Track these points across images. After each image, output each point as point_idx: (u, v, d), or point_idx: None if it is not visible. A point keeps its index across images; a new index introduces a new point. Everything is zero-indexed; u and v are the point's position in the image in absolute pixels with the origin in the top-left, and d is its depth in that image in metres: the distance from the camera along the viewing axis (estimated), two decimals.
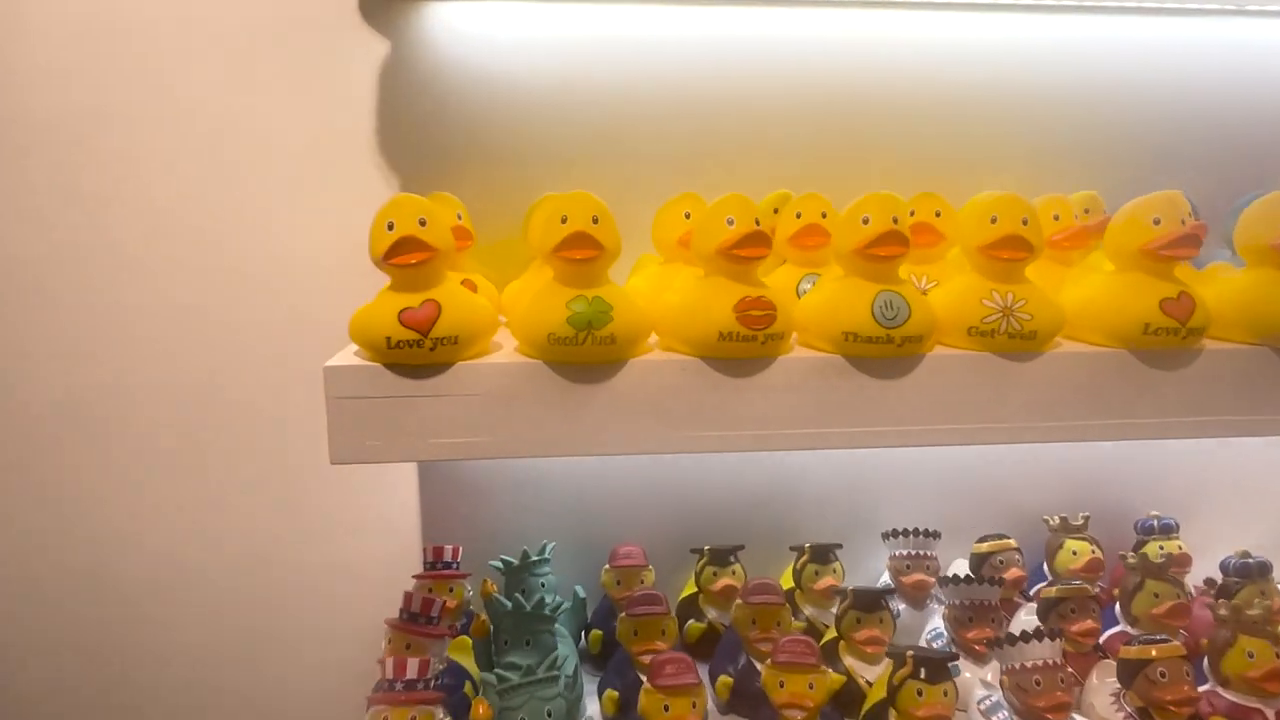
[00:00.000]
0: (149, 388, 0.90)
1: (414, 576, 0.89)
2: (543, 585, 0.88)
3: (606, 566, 0.92)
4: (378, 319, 0.56)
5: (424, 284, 0.57)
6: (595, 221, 0.57)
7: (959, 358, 0.61)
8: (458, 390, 0.57)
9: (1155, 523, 0.98)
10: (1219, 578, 0.94)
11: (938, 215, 0.73)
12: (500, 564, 0.88)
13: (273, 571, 0.95)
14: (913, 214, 0.73)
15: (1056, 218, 0.74)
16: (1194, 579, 0.94)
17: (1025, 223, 0.61)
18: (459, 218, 0.69)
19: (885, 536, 0.96)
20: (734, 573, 0.91)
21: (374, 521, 0.95)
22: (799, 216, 0.72)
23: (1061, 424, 0.62)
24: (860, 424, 0.61)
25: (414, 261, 0.56)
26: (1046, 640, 0.72)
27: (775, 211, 0.80)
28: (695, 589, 0.93)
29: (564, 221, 0.57)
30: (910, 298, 0.60)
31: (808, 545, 0.92)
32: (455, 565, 0.90)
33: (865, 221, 0.59)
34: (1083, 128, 0.95)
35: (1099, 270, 0.69)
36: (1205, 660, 0.77)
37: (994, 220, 0.61)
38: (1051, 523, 0.97)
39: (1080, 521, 0.96)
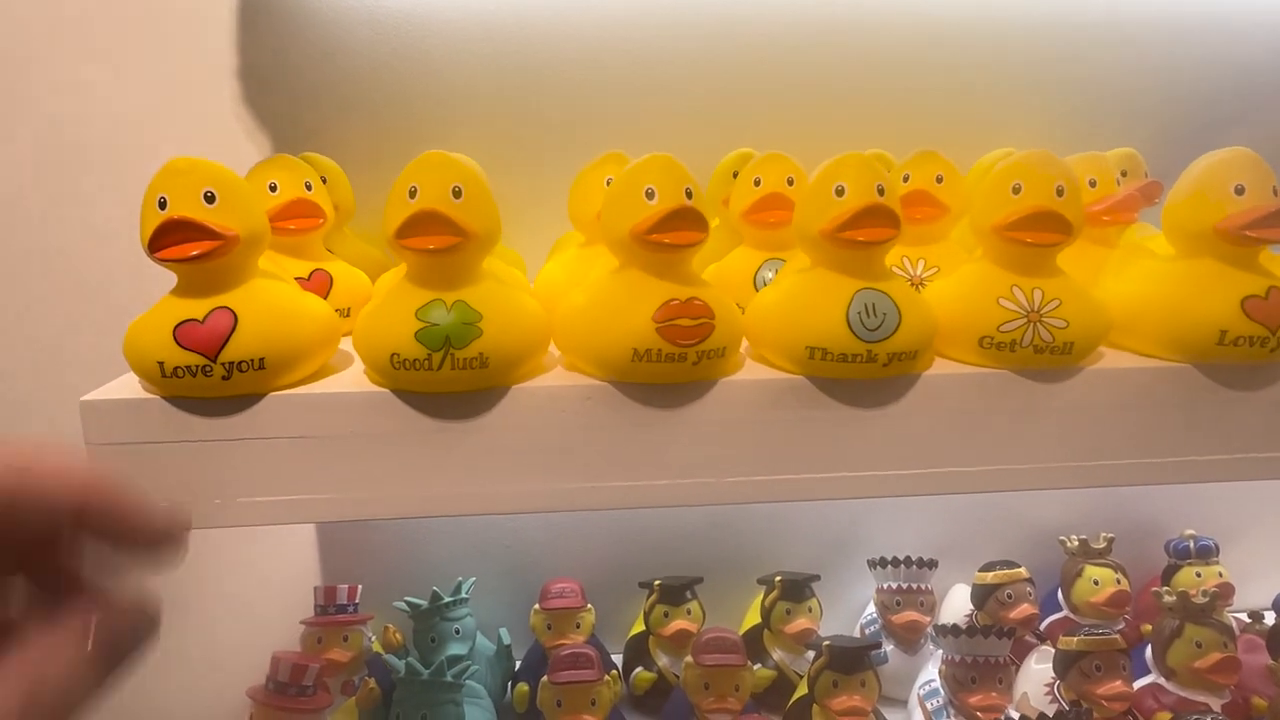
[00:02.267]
0: None
1: (301, 622, 0.73)
2: (457, 631, 0.72)
3: (536, 607, 0.77)
4: (149, 336, 0.40)
5: (214, 285, 0.40)
6: (457, 195, 0.40)
7: (966, 378, 0.45)
8: (268, 431, 0.41)
9: (1191, 544, 0.83)
10: (1268, 611, 0.80)
11: (939, 181, 0.56)
12: (406, 606, 0.72)
13: None
14: (907, 179, 0.56)
15: (1093, 183, 0.57)
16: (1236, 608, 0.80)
17: (1060, 192, 0.44)
18: (307, 187, 0.52)
19: (872, 565, 0.81)
20: (689, 612, 0.76)
21: (258, 557, 0.79)
22: (758, 184, 0.55)
23: (1103, 465, 0.46)
24: (831, 468, 0.45)
25: (190, 254, 0.39)
26: None
27: (734, 176, 0.63)
28: (644, 627, 0.78)
29: (412, 196, 0.40)
30: (900, 299, 0.43)
31: (778, 578, 0.77)
32: (353, 608, 0.75)
33: (839, 192, 0.43)
34: (1115, 69, 0.77)
35: (1152, 255, 0.53)
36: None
37: (1016, 189, 0.44)
38: (1069, 545, 0.82)
39: (1103, 544, 0.81)
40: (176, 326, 0.39)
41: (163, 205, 0.39)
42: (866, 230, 0.42)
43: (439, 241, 0.39)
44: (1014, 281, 0.45)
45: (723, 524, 0.83)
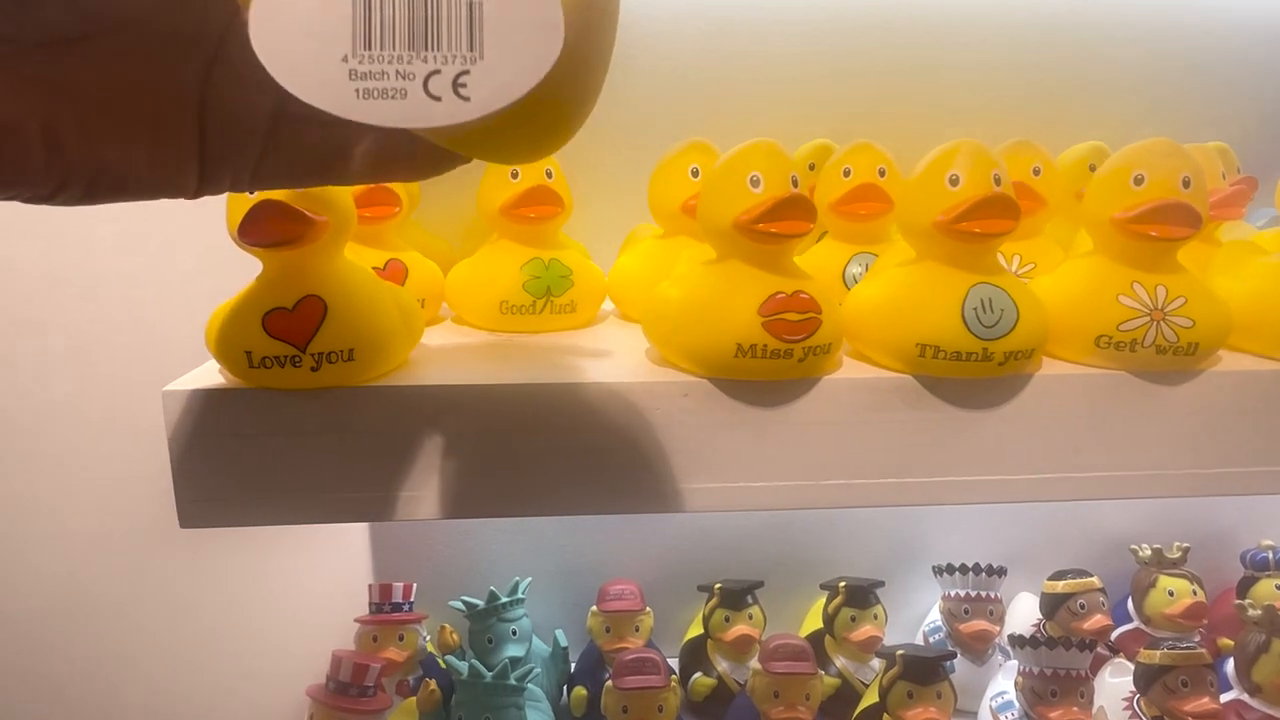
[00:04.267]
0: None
1: (356, 620, 0.72)
2: (514, 632, 0.71)
3: (594, 608, 0.75)
4: (237, 325, 0.38)
5: (303, 273, 0.39)
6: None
7: (1081, 379, 0.43)
8: (357, 426, 0.39)
9: (1270, 555, 0.80)
10: None
11: (1036, 174, 0.53)
12: (462, 605, 0.70)
13: (179, 620, 0.78)
14: (848, 173, 0.53)
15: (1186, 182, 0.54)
16: None
17: (1187, 183, 0.41)
18: None
19: (938, 572, 0.78)
20: (750, 617, 0.74)
21: (308, 553, 0.78)
22: (848, 174, 0.53)
23: (1224, 472, 0.43)
24: (940, 473, 0.42)
25: (275, 239, 0.37)
26: None
27: (811, 168, 0.61)
28: (703, 630, 0.76)
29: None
30: (1017, 294, 0.41)
31: (842, 584, 0.75)
32: (408, 606, 0.73)
33: (953, 181, 0.40)
34: (1208, 63, 0.74)
35: (1261, 250, 0.50)
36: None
37: (1139, 180, 0.42)
38: (1141, 554, 0.79)
39: (1178, 554, 0.78)
40: (266, 315, 0.37)
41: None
42: (984, 222, 0.39)
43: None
44: (1135, 278, 0.42)
45: (782, 526, 0.81)
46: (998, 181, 0.40)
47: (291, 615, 0.78)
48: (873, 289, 0.44)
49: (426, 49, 0.19)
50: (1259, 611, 0.67)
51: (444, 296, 0.55)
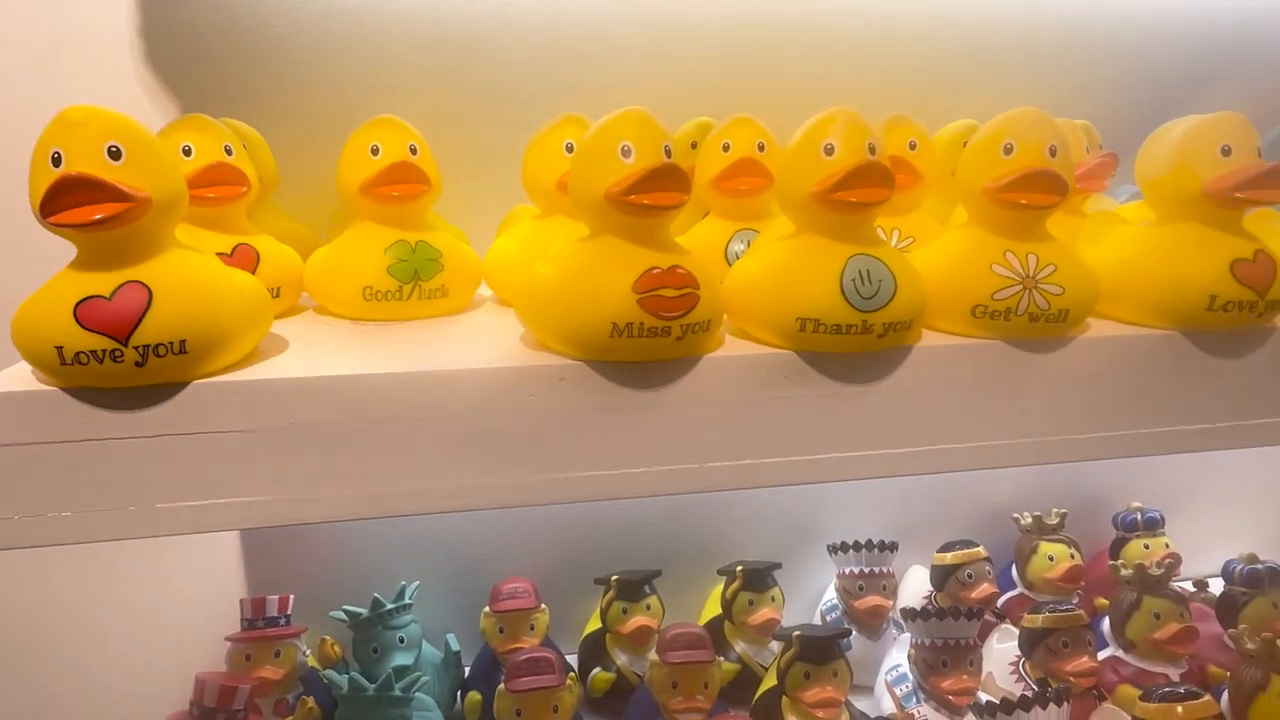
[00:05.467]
0: None
1: (227, 639, 0.67)
2: (401, 640, 0.67)
3: (486, 609, 0.72)
4: (44, 317, 0.34)
5: (123, 256, 0.35)
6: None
7: (960, 350, 0.43)
8: (194, 425, 0.35)
9: (1138, 516, 0.84)
10: (1213, 579, 0.81)
11: (912, 147, 0.53)
12: (344, 615, 0.66)
13: (24, 647, 0.71)
14: (727, 148, 0.53)
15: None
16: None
17: (1053, 152, 0.42)
18: (227, 151, 0.46)
19: (833, 550, 0.79)
20: (649, 608, 0.72)
21: (170, 566, 0.72)
22: (726, 149, 0.51)
23: (1102, 436, 0.44)
24: (823, 449, 0.42)
25: (93, 219, 0.33)
26: (1052, 706, 0.56)
27: (693, 146, 0.59)
28: (601, 624, 0.74)
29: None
30: (894, 265, 0.40)
31: (739, 568, 0.74)
32: (284, 620, 0.68)
33: (828, 151, 0.39)
34: (1073, 43, 0.77)
35: (1124, 222, 0.51)
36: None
37: (1009, 149, 0.42)
38: (1023, 522, 0.82)
39: (1056, 520, 0.81)
40: (78, 305, 0.33)
41: (56, 162, 0.33)
42: (860, 190, 0.39)
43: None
44: (1007, 247, 0.42)
45: (679, 512, 0.80)
46: (873, 150, 0.39)
47: (153, 636, 0.72)
48: (752, 264, 0.42)
49: None
50: (1130, 571, 0.70)
51: (303, 284, 0.51)
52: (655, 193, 0.37)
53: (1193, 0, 0.78)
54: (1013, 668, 0.70)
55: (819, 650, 0.62)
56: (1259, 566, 0.72)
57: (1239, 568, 0.73)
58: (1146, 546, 0.83)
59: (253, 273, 0.47)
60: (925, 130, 0.54)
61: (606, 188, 0.37)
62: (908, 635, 0.69)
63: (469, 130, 0.66)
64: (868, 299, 0.39)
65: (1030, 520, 0.81)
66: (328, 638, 0.68)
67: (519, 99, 0.67)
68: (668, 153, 0.38)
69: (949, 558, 0.77)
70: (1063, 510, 0.81)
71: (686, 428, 0.40)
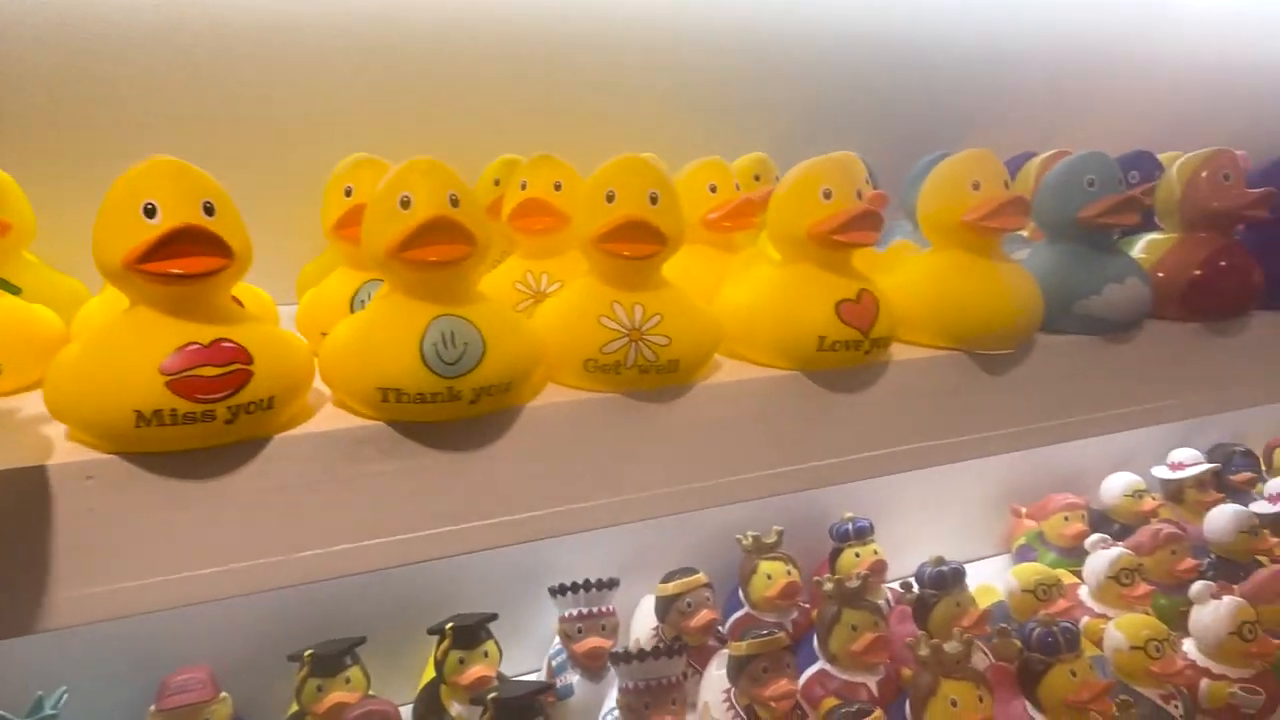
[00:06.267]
0: None
1: None
2: None
3: (153, 708, 0.63)
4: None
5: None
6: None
7: (570, 407, 0.41)
8: None
9: (850, 527, 0.88)
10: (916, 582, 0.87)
11: (558, 188, 0.52)
12: None
13: None
14: (524, 186, 0.52)
15: (713, 188, 0.56)
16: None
17: (655, 199, 0.41)
18: None
19: (553, 593, 0.76)
20: (348, 681, 0.67)
21: None
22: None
23: (727, 481, 0.44)
24: (422, 525, 0.38)
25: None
26: None
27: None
28: (298, 706, 0.67)
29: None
30: (486, 324, 0.38)
31: (449, 625, 0.70)
32: None
33: (404, 204, 0.36)
34: (746, 77, 0.79)
35: (768, 261, 0.52)
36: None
37: (610, 197, 0.41)
38: (744, 543, 0.83)
39: (774, 538, 0.83)
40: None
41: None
42: (435, 248, 0.36)
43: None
44: (615, 298, 0.41)
45: (383, 575, 0.74)
46: (454, 203, 0.37)
47: None
48: (342, 328, 0.39)
49: None
50: (831, 585, 0.72)
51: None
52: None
53: (861, 38, 0.83)
54: (725, 696, 0.71)
55: (515, 712, 0.59)
56: (943, 569, 0.76)
57: (928, 570, 0.77)
58: (858, 555, 0.87)
59: None
60: (574, 170, 0.53)
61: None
62: None
63: (248, 177, 0.60)
64: (451, 364, 0.36)
65: (750, 540, 0.83)
66: None
67: (299, 142, 0.61)
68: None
69: (670, 588, 0.77)
70: (779, 528, 0.84)
71: (258, 518, 0.35)
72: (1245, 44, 1.04)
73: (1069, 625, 0.67)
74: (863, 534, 0.87)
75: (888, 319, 0.46)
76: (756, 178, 0.66)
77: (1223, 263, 0.58)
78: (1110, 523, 0.99)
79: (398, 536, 0.38)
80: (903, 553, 0.92)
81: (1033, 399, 0.52)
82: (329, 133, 0.65)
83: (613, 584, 0.76)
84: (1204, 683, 0.73)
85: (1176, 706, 0.70)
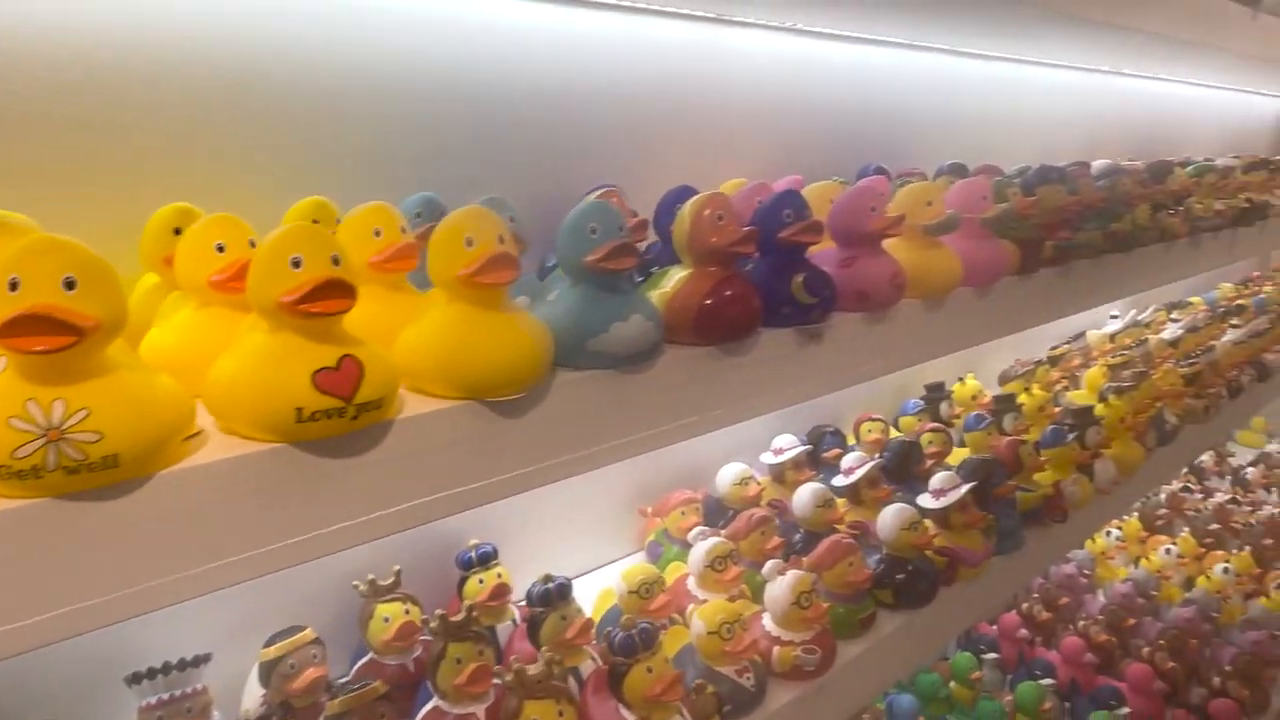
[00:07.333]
0: None
1: None
2: None
3: None
4: None
5: None
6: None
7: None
8: None
9: (474, 554, 0.89)
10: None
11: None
12: None
13: None
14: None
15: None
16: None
17: (71, 285, 0.38)
18: None
19: (129, 683, 0.69)
20: None
21: None
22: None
23: (191, 574, 0.42)
24: None
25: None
26: None
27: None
28: None
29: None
30: None
31: None
32: None
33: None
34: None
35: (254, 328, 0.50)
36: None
37: (14, 286, 0.37)
38: (360, 588, 0.81)
39: (391, 579, 0.82)
40: None
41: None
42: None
43: None
44: (31, 394, 0.37)
45: None
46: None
47: None
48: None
49: None
50: (435, 623, 0.73)
51: None
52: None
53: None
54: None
55: None
56: (549, 586, 0.80)
57: (536, 589, 0.81)
58: (481, 581, 0.88)
59: None
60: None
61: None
62: None
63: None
64: None
65: (366, 585, 0.81)
66: None
67: None
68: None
69: (271, 651, 0.73)
70: (398, 568, 0.83)
71: None
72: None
73: (646, 626, 0.73)
74: (486, 559, 0.89)
75: (379, 381, 0.46)
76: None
77: (728, 292, 0.65)
78: (725, 510, 1.10)
79: None
80: (543, 568, 0.95)
81: (557, 432, 0.56)
82: None
83: (203, 659, 0.70)
84: (775, 649, 0.83)
85: (749, 679, 0.79)
